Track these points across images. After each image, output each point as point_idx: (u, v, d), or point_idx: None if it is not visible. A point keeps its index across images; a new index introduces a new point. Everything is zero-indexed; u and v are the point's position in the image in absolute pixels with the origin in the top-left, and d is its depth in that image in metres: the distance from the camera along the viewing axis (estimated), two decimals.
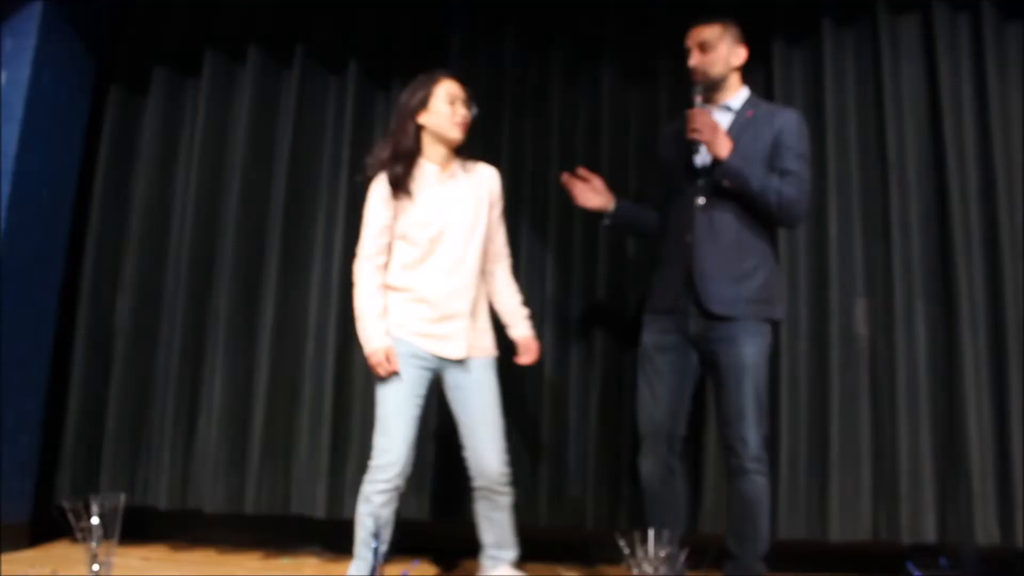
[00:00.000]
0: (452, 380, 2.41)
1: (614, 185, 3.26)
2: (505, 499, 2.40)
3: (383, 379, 2.34)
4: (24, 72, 3.16)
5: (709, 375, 2.43)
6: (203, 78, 3.51)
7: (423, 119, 2.40)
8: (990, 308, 2.99)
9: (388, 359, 2.31)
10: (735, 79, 2.50)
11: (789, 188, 2.35)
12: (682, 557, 2.47)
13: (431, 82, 2.41)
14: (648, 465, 2.42)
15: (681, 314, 2.39)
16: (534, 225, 3.34)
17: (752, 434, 2.28)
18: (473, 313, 2.42)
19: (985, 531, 2.82)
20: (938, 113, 3.10)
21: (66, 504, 3.09)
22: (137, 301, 3.41)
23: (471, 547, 2.52)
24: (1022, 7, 3.12)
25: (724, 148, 2.34)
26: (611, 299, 3.26)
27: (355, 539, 2.32)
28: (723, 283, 2.34)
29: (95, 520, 2.95)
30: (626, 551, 2.75)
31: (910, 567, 2.79)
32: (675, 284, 2.41)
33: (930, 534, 2.86)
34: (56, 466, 3.32)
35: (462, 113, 2.41)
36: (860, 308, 3.06)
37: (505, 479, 2.39)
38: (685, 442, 2.46)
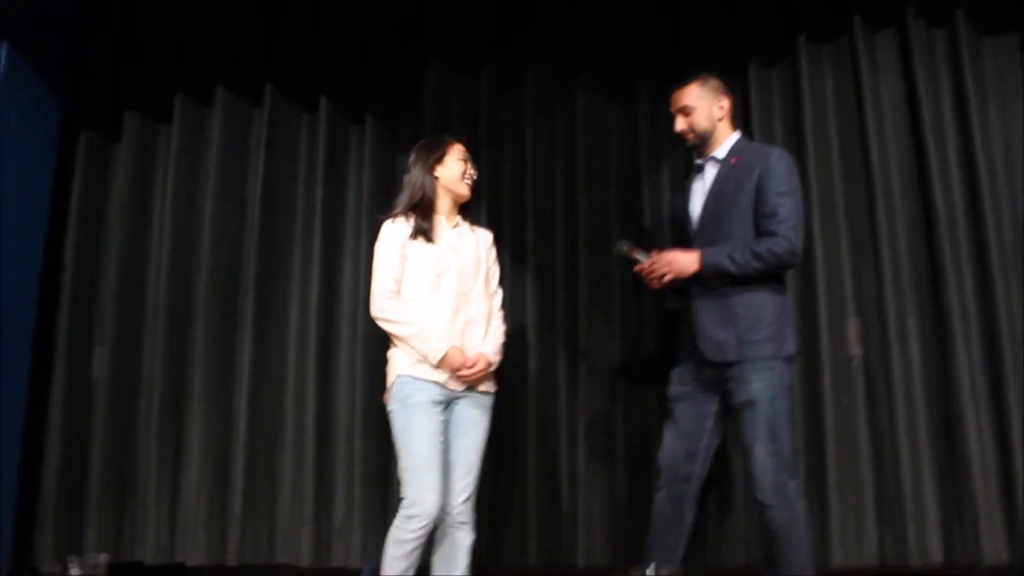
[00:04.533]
0: (453, 416, 2.52)
1: (593, 209, 3.25)
2: (464, 535, 2.47)
3: (407, 427, 2.42)
4: None
5: (730, 416, 2.47)
6: (174, 121, 3.46)
7: (439, 172, 2.61)
8: (983, 321, 2.96)
9: (462, 356, 2.45)
10: (723, 128, 2.56)
11: (768, 248, 2.37)
12: None
13: (445, 143, 2.65)
14: (661, 496, 2.51)
15: (695, 363, 2.48)
16: (515, 253, 3.29)
17: (765, 468, 2.30)
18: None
19: (993, 550, 2.77)
20: (919, 128, 3.10)
21: (46, 567, 3.02)
22: (115, 352, 3.32)
23: None
24: (995, 23, 3.14)
25: (691, 266, 2.44)
26: (594, 326, 3.20)
27: None
28: (719, 330, 2.41)
29: None
30: None
31: None
32: (687, 335, 2.51)
33: (937, 556, 2.81)
34: (35, 525, 3.19)
35: (471, 173, 2.64)
36: (851, 328, 3.03)
37: (466, 516, 2.47)
38: (706, 481, 2.51)
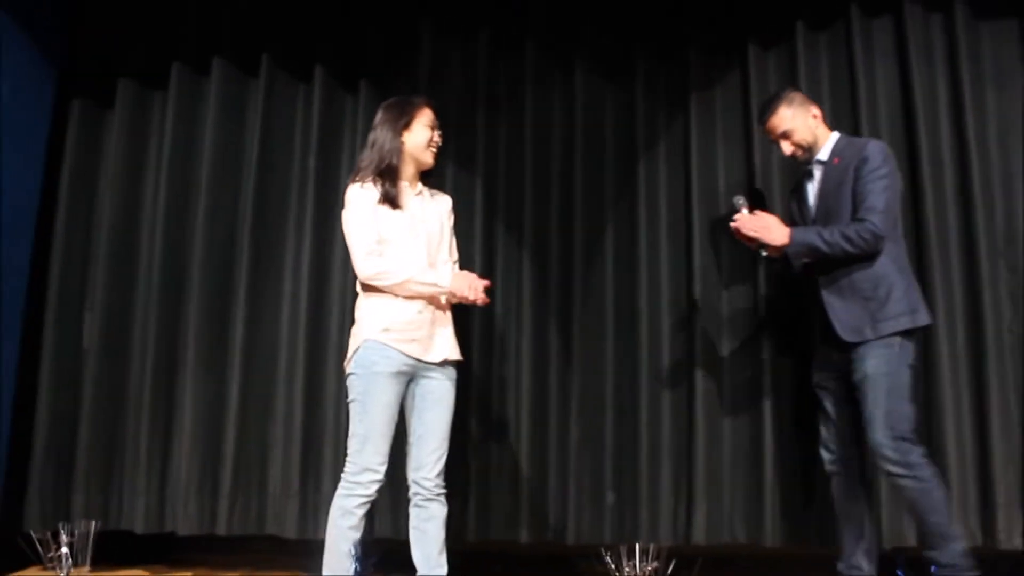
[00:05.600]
0: (420, 389, 2.48)
1: (590, 182, 3.27)
2: (439, 508, 2.45)
3: (367, 395, 2.38)
4: None
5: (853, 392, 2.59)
6: (169, 90, 3.44)
7: (405, 138, 2.53)
8: (968, 310, 2.98)
9: (467, 278, 2.48)
10: (822, 132, 2.70)
11: (857, 234, 2.49)
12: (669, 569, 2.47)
13: (414, 107, 2.55)
14: (833, 486, 2.66)
15: (826, 350, 2.62)
16: (509, 228, 3.31)
17: (883, 439, 2.42)
18: (447, 320, 2.55)
19: (967, 533, 2.82)
20: (912, 114, 3.09)
21: (33, 533, 3.04)
22: (106, 319, 3.33)
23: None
24: (994, 7, 3.13)
25: (778, 238, 2.55)
26: (588, 301, 3.23)
27: (331, 552, 2.36)
28: (852, 315, 2.52)
29: (64, 549, 2.89)
30: (611, 565, 2.75)
31: (900, 574, 2.79)
32: (818, 319, 2.63)
33: (912, 539, 2.85)
34: (24, 493, 3.21)
35: (436, 140, 2.57)
36: None
37: (440, 489, 2.46)
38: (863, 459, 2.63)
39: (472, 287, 2.46)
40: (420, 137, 2.52)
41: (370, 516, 2.94)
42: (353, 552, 2.37)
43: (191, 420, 3.19)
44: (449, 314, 2.56)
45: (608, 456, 3.10)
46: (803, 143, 2.66)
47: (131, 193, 3.43)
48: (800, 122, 2.65)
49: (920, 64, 3.11)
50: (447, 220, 2.63)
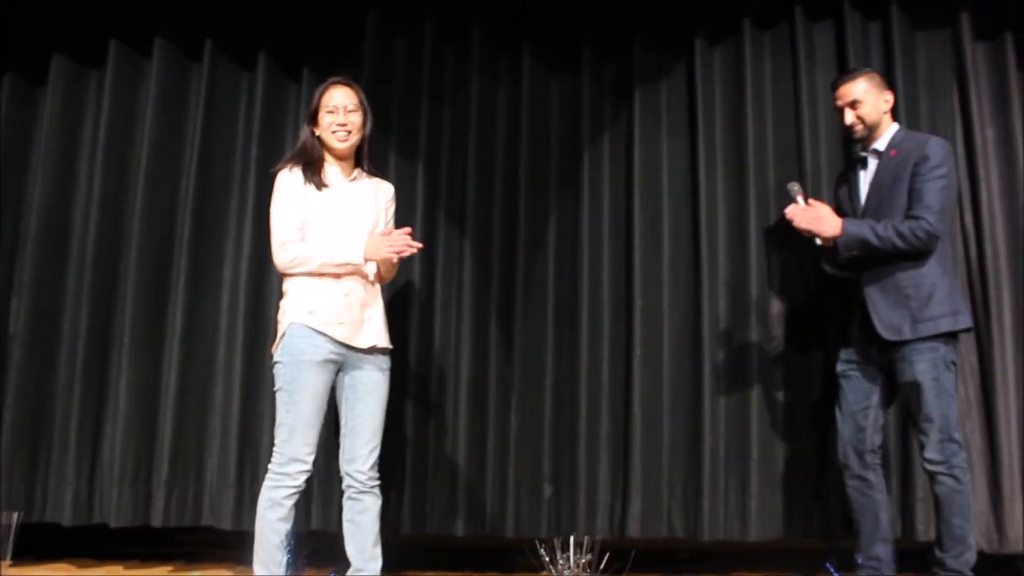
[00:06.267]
0: (350, 379, 2.47)
1: (534, 177, 3.26)
2: (372, 500, 2.45)
3: (294, 384, 2.37)
4: None
5: (898, 392, 2.64)
6: (107, 69, 3.35)
7: (318, 131, 2.53)
8: None
9: (379, 238, 2.42)
10: (886, 121, 2.71)
11: (911, 231, 2.50)
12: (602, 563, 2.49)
13: (318, 95, 2.53)
14: (845, 478, 2.68)
15: (863, 343, 2.63)
16: (451, 218, 3.29)
17: (934, 440, 2.48)
18: (377, 304, 2.52)
19: (889, 526, 2.90)
20: None
21: None
22: (35, 304, 3.23)
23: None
24: (929, 17, 3.22)
25: (829, 229, 2.57)
26: (530, 292, 3.22)
27: (261, 545, 2.35)
28: (893, 312, 2.54)
29: None
30: (546, 558, 2.75)
31: (829, 568, 2.84)
32: (854, 316, 2.65)
33: (838, 531, 2.92)
34: None
35: (340, 122, 2.48)
36: (774, 308, 3.11)
37: (374, 481, 2.46)
38: (880, 451, 2.66)
39: (390, 247, 2.39)
40: (324, 124, 2.50)
41: (303, 508, 2.93)
42: (285, 544, 2.34)
43: (125, 409, 3.11)
44: (380, 299, 2.54)
45: (546, 449, 3.12)
46: (867, 118, 2.67)
47: (65, 174, 3.33)
48: (871, 98, 2.67)
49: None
50: (385, 208, 2.61)
